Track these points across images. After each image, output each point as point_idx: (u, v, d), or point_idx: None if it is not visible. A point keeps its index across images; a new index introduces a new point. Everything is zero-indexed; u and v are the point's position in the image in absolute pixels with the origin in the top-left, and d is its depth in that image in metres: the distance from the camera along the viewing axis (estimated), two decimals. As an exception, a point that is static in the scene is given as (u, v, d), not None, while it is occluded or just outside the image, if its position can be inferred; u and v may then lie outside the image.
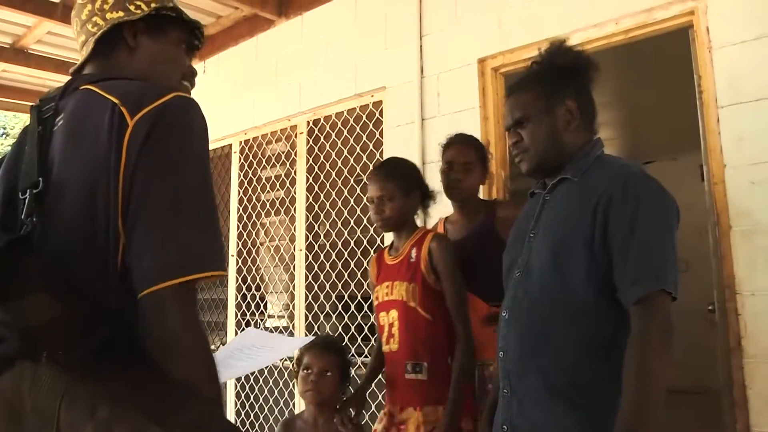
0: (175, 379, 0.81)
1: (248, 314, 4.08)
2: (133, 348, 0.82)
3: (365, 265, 3.33)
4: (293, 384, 3.60)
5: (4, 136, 16.09)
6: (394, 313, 2.02)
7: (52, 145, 0.92)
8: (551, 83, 1.42)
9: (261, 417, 3.80)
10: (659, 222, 1.26)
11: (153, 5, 1.09)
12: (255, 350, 1.84)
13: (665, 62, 3.82)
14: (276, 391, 3.68)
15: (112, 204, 0.84)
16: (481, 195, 2.72)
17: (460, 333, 1.94)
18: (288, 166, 3.96)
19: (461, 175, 2.13)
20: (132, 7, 1.07)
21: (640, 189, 1.28)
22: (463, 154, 2.15)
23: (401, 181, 2.07)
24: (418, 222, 2.22)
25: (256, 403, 3.88)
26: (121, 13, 1.06)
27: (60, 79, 4.83)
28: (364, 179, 3.39)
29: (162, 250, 0.82)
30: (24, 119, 11.63)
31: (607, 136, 6.29)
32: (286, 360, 3.36)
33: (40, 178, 0.88)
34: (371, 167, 3.34)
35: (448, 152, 2.19)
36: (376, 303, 2.14)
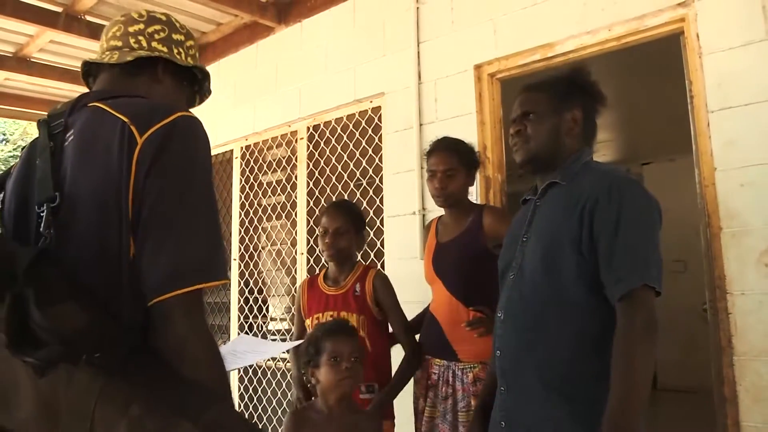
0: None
1: (251, 317, 4.13)
2: (154, 352, 0.87)
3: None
4: (285, 384, 3.65)
5: (4, 142, 16.11)
6: None
7: (63, 160, 0.96)
8: (565, 91, 1.52)
9: (264, 418, 3.85)
10: (641, 222, 1.33)
11: (191, 62, 1.21)
12: (245, 353, 1.93)
13: (659, 66, 3.89)
14: (271, 392, 3.72)
15: (123, 217, 0.89)
16: (478, 198, 2.78)
17: (408, 351, 2.22)
18: (289, 171, 4.01)
19: (444, 183, 2.15)
20: (175, 51, 1.17)
21: (624, 191, 1.36)
22: (444, 162, 2.16)
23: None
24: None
25: (259, 404, 3.93)
26: (165, 50, 1.15)
27: (62, 87, 4.89)
28: (364, 183, 3.45)
29: (170, 261, 0.87)
30: (23, 126, 11.65)
31: (605, 138, 6.35)
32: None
33: (57, 193, 0.93)
34: (370, 172, 3.41)
35: (430, 160, 2.22)
36: None
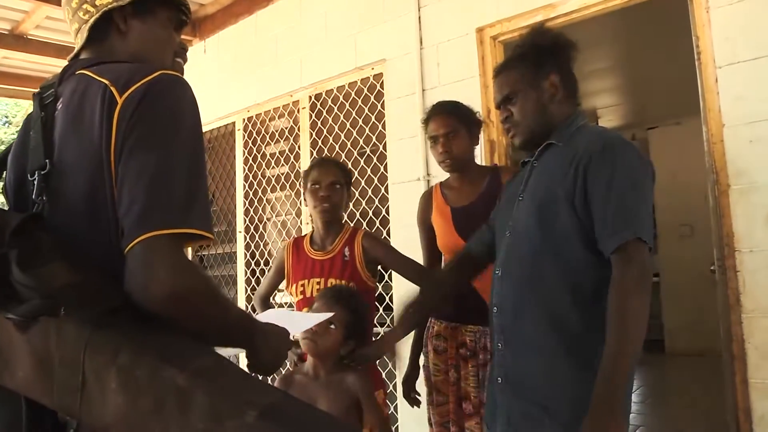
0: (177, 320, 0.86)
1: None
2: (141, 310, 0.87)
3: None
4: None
5: (7, 124, 16.10)
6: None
7: (54, 128, 0.97)
8: (535, 61, 1.52)
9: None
10: (635, 180, 1.35)
11: None
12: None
13: (664, 24, 3.81)
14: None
15: (107, 179, 0.89)
16: (483, 161, 2.76)
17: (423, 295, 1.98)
18: (291, 141, 3.99)
19: (447, 146, 2.08)
20: None
21: (617, 151, 1.38)
22: (443, 125, 2.10)
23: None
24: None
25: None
26: (109, 1, 1.09)
27: (60, 64, 4.77)
28: (368, 151, 3.43)
29: (145, 205, 0.85)
30: (25, 107, 11.64)
31: (611, 103, 6.28)
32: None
33: (47, 160, 0.94)
34: (374, 139, 3.38)
35: (429, 127, 2.15)
36: (300, 297, 2.14)
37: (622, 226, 1.30)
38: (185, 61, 1.29)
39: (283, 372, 1.98)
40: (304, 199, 2.25)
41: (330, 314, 1.72)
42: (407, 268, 2.12)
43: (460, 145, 2.10)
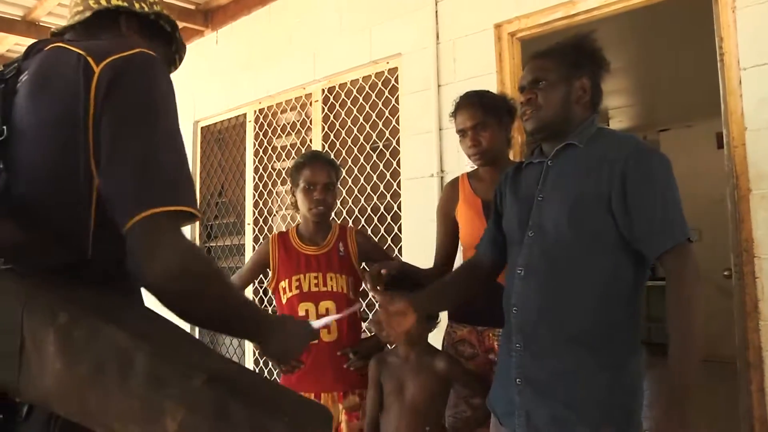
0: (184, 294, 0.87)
1: (265, 282, 4.12)
2: (97, 277, 0.87)
3: (382, 231, 3.36)
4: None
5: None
6: (328, 305, 2.09)
7: (15, 99, 0.96)
8: (573, 59, 1.53)
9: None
10: (672, 184, 1.39)
11: (156, 8, 1.16)
12: None
13: (683, 26, 3.78)
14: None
15: (81, 147, 0.89)
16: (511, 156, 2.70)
17: None
18: (303, 134, 3.96)
19: (476, 139, 2.00)
20: (136, 3, 1.13)
21: (652, 155, 1.41)
22: (470, 117, 2.00)
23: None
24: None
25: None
26: (124, 3, 1.11)
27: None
28: (380, 146, 3.40)
29: (138, 184, 0.86)
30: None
31: (622, 104, 6.23)
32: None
33: (4, 127, 0.93)
34: (387, 134, 3.35)
35: (457, 120, 2.07)
36: (295, 292, 2.12)
37: (673, 229, 1.34)
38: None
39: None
40: (292, 194, 2.20)
41: (357, 305, 1.83)
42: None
43: (490, 138, 2.00)
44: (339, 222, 2.38)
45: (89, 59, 0.91)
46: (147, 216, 0.84)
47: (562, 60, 1.53)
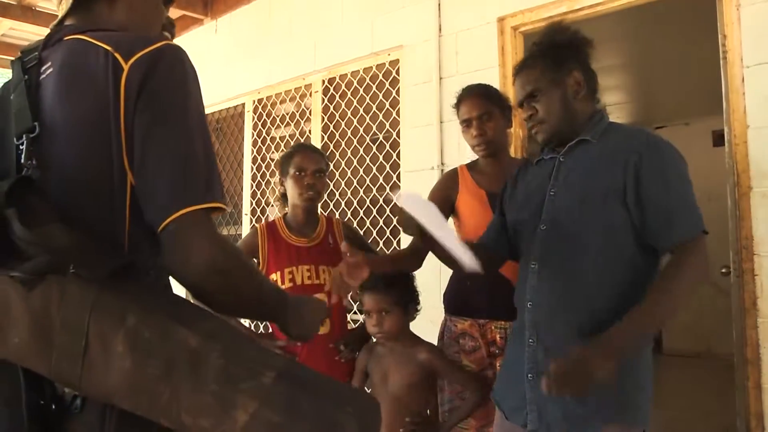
0: (219, 297, 0.88)
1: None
2: (137, 276, 0.87)
3: (381, 223, 3.35)
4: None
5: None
6: (321, 297, 2.01)
7: (41, 93, 0.94)
8: (555, 58, 1.51)
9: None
10: (685, 176, 1.38)
11: None
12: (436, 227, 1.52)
13: (683, 23, 3.77)
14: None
15: (114, 144, 0.88)
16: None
17: None
18: (302, 125, 3.95)
19: (482, 129, 1.99)
20: None
21: (664, 147, 1.41)
22: (477, 106, 2.00)
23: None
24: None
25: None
26: None
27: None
28: (380, 138, 3.39)
29: (175, 182, 0.87)
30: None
31: (619, 101, 6.23)
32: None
33: (36, 123, 0.91)
34: (387, 126, 3.34)
35: (461, 110, 2.06)
36: (288, 285, 2.08)
37: (688, 222, 1.34)
38: (172, 36, 1.28)
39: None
40: (281, 185, 2.20)
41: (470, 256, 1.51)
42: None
43: (495, 128, 2.00)
44: (336, 216, 2.37)
45: (117, 56, 0.89)
46: (184, 213, 0.85)
47: (546, 64, 1.50)
